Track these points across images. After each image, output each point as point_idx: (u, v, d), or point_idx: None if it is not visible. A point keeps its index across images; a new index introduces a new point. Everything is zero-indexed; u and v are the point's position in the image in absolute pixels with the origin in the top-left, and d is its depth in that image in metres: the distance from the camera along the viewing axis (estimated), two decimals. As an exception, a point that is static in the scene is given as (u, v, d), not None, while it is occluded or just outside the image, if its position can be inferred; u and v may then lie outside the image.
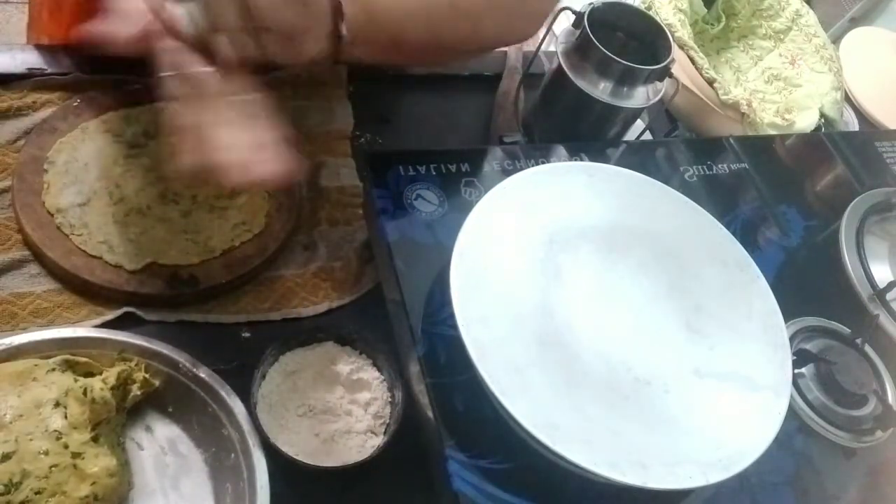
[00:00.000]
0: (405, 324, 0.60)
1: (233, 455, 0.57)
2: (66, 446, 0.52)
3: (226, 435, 0.57)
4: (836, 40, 1.14)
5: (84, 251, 0.65)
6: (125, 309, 0.64)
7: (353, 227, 0.74)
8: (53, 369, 0.56)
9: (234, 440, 0.57)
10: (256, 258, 0.68)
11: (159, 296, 0.65)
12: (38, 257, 0.65)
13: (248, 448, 0.56)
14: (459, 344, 0.54)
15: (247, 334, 0.66)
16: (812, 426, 0.65)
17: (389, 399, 0.62)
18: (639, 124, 0.85)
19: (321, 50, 0.58)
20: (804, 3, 1.02)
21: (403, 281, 0.62)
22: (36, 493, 0.50)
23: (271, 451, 0.56)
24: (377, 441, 0.60)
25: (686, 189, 0.73)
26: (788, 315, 0.65)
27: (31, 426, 0.52)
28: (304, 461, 0.57)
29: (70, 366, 0.57)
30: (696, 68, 0.89)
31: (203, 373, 0.58)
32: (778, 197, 0.81)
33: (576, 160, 0.74)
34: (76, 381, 0.55)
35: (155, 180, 0.70)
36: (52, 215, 0.66)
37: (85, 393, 0.55)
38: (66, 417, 0.53)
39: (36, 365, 0.55)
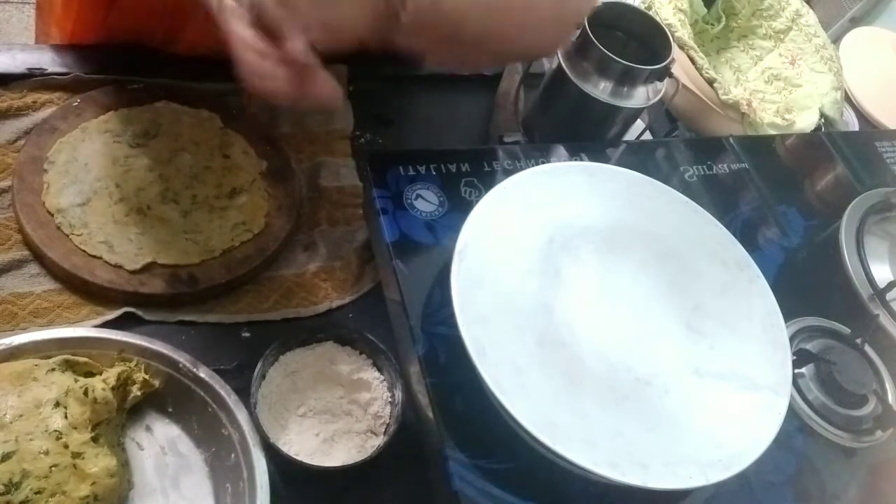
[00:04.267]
0: (405, 324, 0.61)
1: (233, 455, 0.56)
2: (66, 446, 0.52)
3: (226, 435, 0.57)
4: (836, 40, 1.14)
5: (84, 251, 0.65)
6: (125, 309, 0.64)
7: (352, 227, 0.74)
8: (53, 369, 0.56)
9: (234, 440, 0.57)
10: (256, 258, 0.68)
11: (159, 296, 0.65)
12: (38, 257, 0.65)
13: (248, 448, 0.56)
14: (459, 344, 0.54)
15: (247, 334, 0.66)
16: (812, 426, 0.65)
17: (389, 399, 0.61)
18: (639, 124, 0.85)
19: (368, 31, 0.54)
20: (804, 3, 1.02)
21: (403, 281, 0.62)
22: (36, 493, 0.50)
23: (271, 452, 0.56)
24: (377, 441, 0.60)
25: (686, 189, 0.73)
26: (788, 315, 0.65)
27: (31, 426, 0.52)
28: (304, 461, 0.57)
29: (70, 366, 0.57)
30: (697, 68, 0.89)
31: (203, 373, 0.58)
32: (778, 197, 0.81)
33: (576, 160, 0.74)
34: (76, 381, 0.55)
35: (155, 180, 0.70)
36: (52, 215, 0.66)
37: (86, 393, 0.55)
38: (66, 417, 0.53)
39: (36, 365, 0.55)
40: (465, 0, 0.56)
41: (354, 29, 0.54)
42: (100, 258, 0.65)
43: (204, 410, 0.58)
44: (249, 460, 0.55)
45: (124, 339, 0.59)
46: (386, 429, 0.60)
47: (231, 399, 0.58)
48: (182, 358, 0.59)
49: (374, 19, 0.54)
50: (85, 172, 0.69)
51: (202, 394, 0.58)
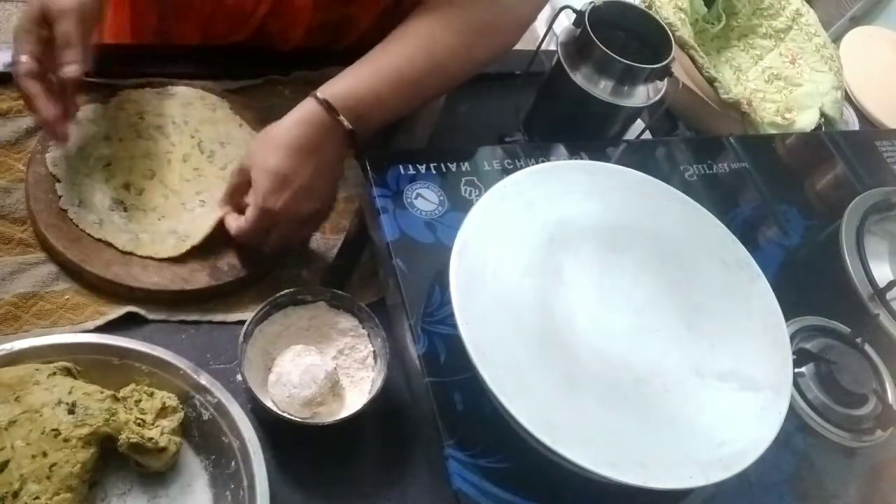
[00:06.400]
0: (405, 323, 0.60)
1: (233, 463, 0.56)
2: (66, 441, 0.52)
3: (226, 443, 0.57)
4: (836, 39, 1.14)
5: (132, 253, 0.65)
6: (127, 308, 0.64)
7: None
8: (55, 373, 0.55)
9: (235, 448, 0.57)
10: (261, 259, 0.68)
11: (203, 290, 0.65)
12: (76, 273, 0.64)
13: (248, 456, 0.56)
14: (459, 343, 0.54)
15: (247, 334, 0.66)
16: (812, 426, 0.65)
17: (376, 361, 0.63)
18: (639, 123, 0.85)
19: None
20: (804, 3, 1.02)
21: (403, 280, 0.62)
22: (35, 499, 0.50)
23: (257, 407, 0.58)
24: (363, 399, 0.60)
25: (686, 188, 0.73)
26: (788, 314, 0.65)
27: (26, 430, 0.52)
28: (291, 416, 0.58)
29: (70, 375, 0.57)
30: (697, 67, 0.89)
31: (204, 380, 0.58)
32: (778, 196, 0.81)
33: (576, 159, 0.74)
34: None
35: (155, 171, 0.71)
36: (83, 229, 0.66)
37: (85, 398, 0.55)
38: (70, 413, 0.53)
39: (37, 369, 0.55)
40: (393, 100, 0.68)
41: (327, 173, 0.66)
42: (150, 258, 0.65)
43: (204, 417, 0.58)
44: (250, 468, 0.55)
45: (126, 345, 0.58)
46: (372, 387, 0.61)
47: (231, 406, 0.57)
48: (183, 364, 0.58)
49: (340, 155, 0.67)
50: (97, 178, 0.69)
51: (203, 400, 0.58)
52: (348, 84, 0.66)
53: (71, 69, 0.61)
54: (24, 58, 0.60)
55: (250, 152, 0.65)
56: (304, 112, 0.64)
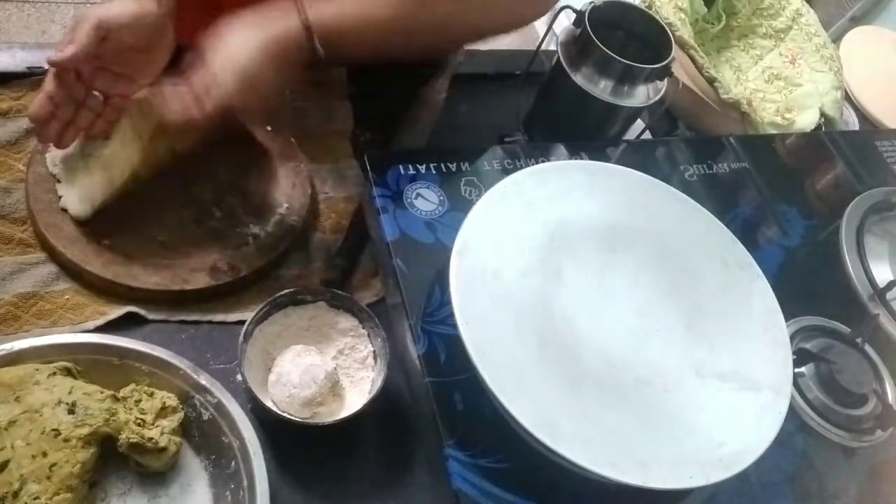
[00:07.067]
0: (405, 323, 0.60)
1: (233, 463, 0.56)
2: (66, 441, 0.52)
3: (226, 443, 0.57)
4: (836, 39, 1.14)
5: (127, 255, 0.65)
6: (127, 308, 0.64)
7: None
8: (55, 373, 0.55)
9: (235, 448, 0.56)
10: (270, 252, 0.69)
11: (203, 290, 0.65)
12: (76, 273, 0.64)
13: (248, 456, 0.56)
14: (459, 343, 0.54)
15: (247, 334, 0.66)
16: (812, 426, 0.65)
17: (376, 361, 0.63)
18: (639, 123, 0.85)
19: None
20: (804, 2, 1.02)
21: (403, 280, 0.62)
22: (35, 499, 0.50)
23: (257, 407, 0.58)
24: (363, 399, 0.60)
25: (686, 188, 0.73)
26: (788, 314, 0.65)
27: (26, 430, 0.52)
28: (291, 416, 0.58)
29: (70, 375, 0.57)
30: (697, 67, 0.89)
31: (204, 379, 0.58)
32: (778, 196, 0.81)
33: (576, 159, 0.74)
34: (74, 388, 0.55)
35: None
36: (81, 227, 0.65)
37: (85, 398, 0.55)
38: (70, 414, 0.53)
39: (37, 369, 0.55)
40: (370, 45, 0.65)
41: (282, 88, 0.65)
42: (152, 257, 0.65)
43: (203, 417, 0.58)
44: (250, 468, 0.55)
45: (126, 345, 0.58)
46: (372, 387, 0.61)
47: (231, 406, 0.57)
48: (183, 364, 0.58)
49: (297, 74, 0.63)
50: (97, 178, 0.68)
51: (203, 400, 0.58)
52: (337, 14, 0.63)
53: (55, 54, 0.62)
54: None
55: (216, 38, 0.62)
56: (285, 29, 0.62)
